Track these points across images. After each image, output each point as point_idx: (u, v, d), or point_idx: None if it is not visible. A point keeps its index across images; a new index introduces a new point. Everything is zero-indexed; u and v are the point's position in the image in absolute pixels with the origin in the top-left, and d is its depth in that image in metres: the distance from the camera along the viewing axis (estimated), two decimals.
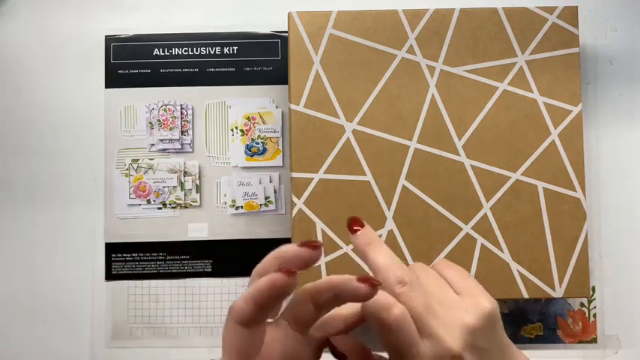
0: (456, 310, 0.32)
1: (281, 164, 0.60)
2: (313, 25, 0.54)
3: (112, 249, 0.59)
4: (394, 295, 0.31)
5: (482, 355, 0.32)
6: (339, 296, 0.30)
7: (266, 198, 0.59)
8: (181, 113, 0.60)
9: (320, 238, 0.52)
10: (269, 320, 0.32)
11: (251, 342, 0.30)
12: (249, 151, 0.60)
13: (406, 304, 0.31)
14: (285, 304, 0.32)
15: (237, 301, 0.30)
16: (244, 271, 0.59)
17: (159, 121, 0.60)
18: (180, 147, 0.60)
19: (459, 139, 0.53)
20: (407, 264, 0.52)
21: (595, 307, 0.58)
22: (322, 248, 0.32)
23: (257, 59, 0.61)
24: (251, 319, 0.30)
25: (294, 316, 0.32)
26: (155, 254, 0.59)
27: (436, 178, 0.53)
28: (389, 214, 0.53)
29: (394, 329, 0.31)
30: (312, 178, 0.53)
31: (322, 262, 0.52)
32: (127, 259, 0.59)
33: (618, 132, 0.60)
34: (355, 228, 0.33)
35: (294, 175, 0.53)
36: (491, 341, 0.32)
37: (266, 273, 0.30)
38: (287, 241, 0.58)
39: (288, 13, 0.54)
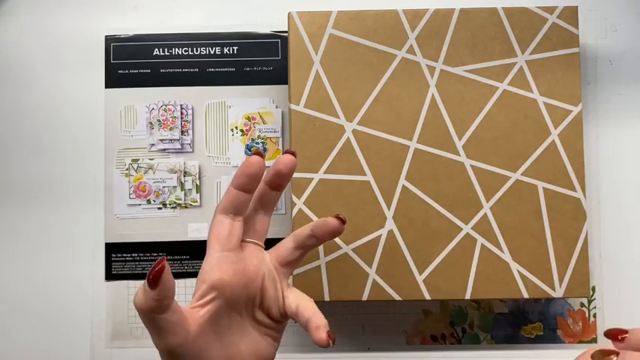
0: None
1: None
2: (313, 25, 0.54)
3: (112, 249, 0.59)
4: None
5: None
6: (315, 233, 0.36)
7: None
8: (181, 113, 0.60)
9: None
10: (252, 241, 0.36)
11: (232, 231, 0.34)
12: (249, 151, 0.60)
13: None
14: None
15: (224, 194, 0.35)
16: None
17: (159, 121, 0.60)
18: (180, 147, 0.60)
19: (459, 139, 0.53)
20: (407, 264, 0.52)
21: (595, 307, 0.58)
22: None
23: (257, 59, 0.61)
24: (232, 205, 0.34)
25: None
26: (155, 254, 0.59)
27: (436, 178, 0.53)
28: (389, 214, 0.53)
29: None
30: (312, 178, 0.53)
31: (322, 261, 0.52)
32: (127, 259, 0.59)
33: (618, 132, 0.60)
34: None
35: (294, 175, 0.53)
36: None
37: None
38: None
39: (288, 13, 0.54)
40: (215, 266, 0.33)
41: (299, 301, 0.34)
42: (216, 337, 0.32)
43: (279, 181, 0.37)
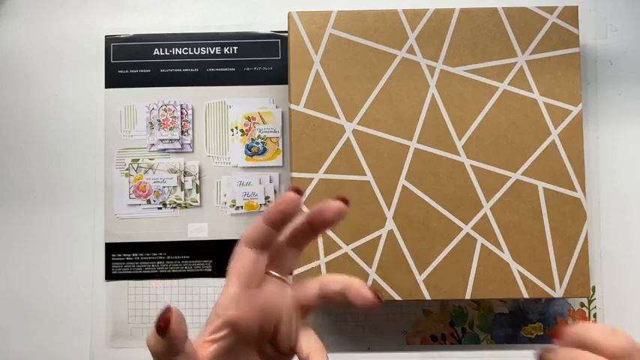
0: None
1: (281, 164, 0.60)
2: (313, 25, 0.54)
3: (112, 249, 0.59)
4: None
5: None
6: (314, 221, 0.33)
7: (266, 198, 0.59)
8: (181, 113, 0.60)
9: (320, 238, 0.52)
10: (276, 275, 0.34)
11: (256, 266, 0.32)
12: (249, 151, 0.60)
13: None
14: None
15: (252, 225, 0.33)
16: None
17: (159, 121, 0.60)
18: (180, 147, 0.60)
19: (459, 139, 0.53)
20: (407, 264, 0.52)
21: (595, 307, 0.58)
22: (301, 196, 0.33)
23: (257, 59, 0.61)
24: (259, 239, 0.32)
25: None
26: (155, 254, 0.59)
27: (436, 178, 0.53)
28: (389, 214, 0.53)
29: None
30: (312, 178, 0.53)
31: (322, 262, 0.52)
32: (127, 259, 0.59)
33: (618, 132, 0.60)
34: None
35: (294, 175, 0.53)
36: None
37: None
38: None
39: (288, 13, 0.54)
40: (232, 303, 0.31)
41: (311, 351, 0.33)
42: None
43: (323, 227, 0.34)
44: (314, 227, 0.34)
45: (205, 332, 0.32)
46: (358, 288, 0.32)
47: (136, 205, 0.59)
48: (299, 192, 0.32)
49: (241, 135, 0.60)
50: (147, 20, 0.61)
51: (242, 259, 0.33)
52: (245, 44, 0.61)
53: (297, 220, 0.34)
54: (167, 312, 0.28)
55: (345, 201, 0.33)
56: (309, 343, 0.33)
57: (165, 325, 0.28)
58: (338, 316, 0.58)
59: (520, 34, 0.54)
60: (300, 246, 0.35)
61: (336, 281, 0.33)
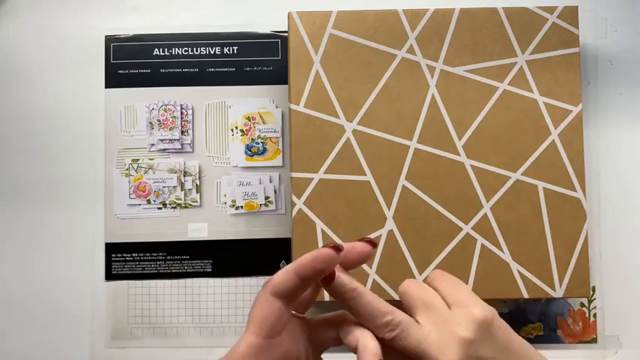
0: (448, 324, 0.32)
1: (281, 164, 0.60)
2: (313, 25, 0.54)
3: (112, 249, 0.59)
4: (388, 340, 0.31)
5: None
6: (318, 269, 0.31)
7: (266, 198, 0.59)
8: (181, 113, 0.60)
9: (320, 238, 0.52)
10: (297, 315, 0.33)
11: (280, 318, 0.31)
12: (249, 151, 0.60)
13: (401, 344, 0.32)
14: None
15: (276, 274, 0.31)
16: (244, 271, 0.59)
17: (159, 121, 0.60)
18: (180, 147, 0.60)
19: (459, 139, 0.53)
20: (407, 264, 0.52)
21: (595, 307, 0.58)
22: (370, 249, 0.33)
23: (257, 59, 0.61)
24: (288, 291, 0.31)
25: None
26: (155, 254, 0.59)
27: (436, 178, 0.53)
28: (389, 214, 0.53)
29: None
30: (312, 178, 0.53)
31: None
32: (127, 259, 0.59)
33: (618, 132, 0.60)
34: (326, 278, 0.32)
35: (294, 175, 0.53)
36: (492, 348, 0.32)
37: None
38: (287, 241, 0.58)
39: (288, 13, 0.54)
40: (252, 354, 0.30)
41: None
42: None
43: (348, 267, 0.34)
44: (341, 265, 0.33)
45: None
46: (370, 357, 0.30)
47: (136, 205, 0.59)
48: (338, 250, 0.31)
49: (241, 135, 0.60)
50: (147, 20, 0.61)
51: (266, 309, 0.31)
52: (245, 44, 0.61)
53: None
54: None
55: (372, 243, 0.33)
56: None
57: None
58: None
59: (520, 34, 0.54)
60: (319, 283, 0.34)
61: (355, 338, 0.32)
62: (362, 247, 0.33)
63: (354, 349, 0.32)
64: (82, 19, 0.61)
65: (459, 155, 0.53)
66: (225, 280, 0.59)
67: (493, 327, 0.32)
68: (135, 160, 0.60)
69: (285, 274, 0.31)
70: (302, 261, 0.30)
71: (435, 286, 0.34)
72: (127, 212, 0.59)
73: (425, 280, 0.35)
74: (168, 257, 0.59)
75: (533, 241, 0.52)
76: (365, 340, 0.31)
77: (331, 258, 0.30)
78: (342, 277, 0.32)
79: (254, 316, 0.31)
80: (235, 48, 0.61)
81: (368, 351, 0.30)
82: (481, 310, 0.32)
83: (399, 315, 0.32)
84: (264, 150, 0.60)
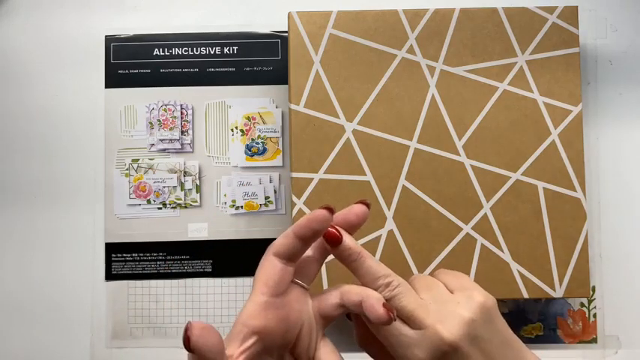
0: (449, 303, 0.33)
1: (281, 164, 0.60)
2: (313, 25, 0.54)
3: (112, 249, 0.59)
4: (386, 298, 0.33)
5: (481, 344, 0.33)
6: (317, 231, 0.33)
7: (266, 198, 0.59)
8: (181, 113, 0.60)
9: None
10: (300, 283, 0.35)
11: (283, 277, 0.33)
12: (249, 151, 0.60)
13: (398, 304, 0.33)
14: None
15: (278, 238, 0.34)
16: (244, 271, 0.59)
17: (159, 121, 0.60)
18: (180, 147, 0.60)
19: (459, 139, 0.53)
20: (407, 264, 0.52)
21: (595, 307, 0.58)
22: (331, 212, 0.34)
23: (257, 59, 0.61)
24: (289, 251, 0.33)
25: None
26: (155, 254, 0.59)
27: (436, 178, 0.53)
28: (389, 214, 0.53)
29: (384, 327, 0.34)
30: (312, 178, 0.53)
31: None
32: (127, 259, 0.59)
33: (618, 132, 0.60)
34: (334, 241, 0.34)
35: (294, 175, 0.53)
36: (490, 332, 0.33)
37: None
38: None
39: (288, 13, 0.54)
40: (260, 312, 0.32)
41: (326, 357, 0.34)
42: None
43: (349, 230, 0.35)
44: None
45: (233, 342, 0.32)
46: (373, 303, 0.32)
47: (136, 205, 0.59)
48: (331, 210, 0.33)
49: (241, 135, 0.60)
50: (147, 20, 0.61)
51: (270, 269, 0.33)
52: (245, 44, 0.61)
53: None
54: (186, 329, 0.28)
55: (366, 204, 0.35)
56: (327, 355, 0.33)
57: (187, 343, 0.28)
58: None
59: (520, 34, 0.54)
60: (324, 256, 0.35)
61: (357, 293, 0.34)
62: (358, 208, 0.35)
63: (358, 305, 0.33)
64: (82, 19, 0.61)
65: (459, 155, 0.53)
66: (225, 280, 0.59)
67: (492, 312, 0.34)
68: (135, 160, 0.60)
69: (284, 237, 0.33)
70: (299, 222, 0.33)
71: (439, 278, 0.37)
72: (127, 212, 0.59)
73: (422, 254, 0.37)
74: (168, 257, 0.59)
75: (533, 241, 0.52)
76: (367, 291, 0.33)
77: (325, 219, 0.33)
78: (348, 240, 0.34)
79: (259, 277, 0.33)
80: (235, 48, 0.61)
81: (372, 297, 0.32)
82: (482, 294, 0.34)
83: (400, 279, 0.34)
84: (264, 150, 0.60)
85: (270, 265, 0.33)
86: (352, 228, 0.35)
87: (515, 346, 0.35)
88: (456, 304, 0.33)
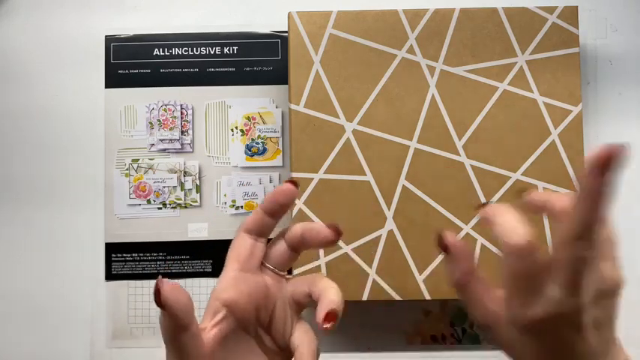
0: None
1: (281, 164, 0.60)
2: (313, 25, 0.54)
3: (112, 249, 0.59)
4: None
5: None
6: (306, 239, 0.34)
7: None
8: (181, 113, 0.60)
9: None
10: (272, 268, 0.35)
11: (253, 252, 0.34)
12: (249, 151, 0.60)
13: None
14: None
15: (250, 214, 0.34)
16: None
17: (159, 121, 0.60)
18: (180, 147, 0.60)
19: (459, 139, 0.53)
20: (407, 264, 0.52)
21: None
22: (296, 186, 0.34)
23: (257, 59, 0.61)
24: (257, 227, 0.34)
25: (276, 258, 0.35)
26: (155, 254, 0.59)
27: (436, 178, 0.53)
28: (389, 214, 0.53)
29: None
30: (312, 178, 0.53)
31: (322, 262, 0.52)
32: (127, 259, 0.59)
33: (618, 132, 0.60)
34: (482, 210, 0.34)
35: (294, 175, 0.53)
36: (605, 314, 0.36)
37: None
38: None
39: (288, 13, 0.54)
40: (231, 285, 0.33)
41: (300, 343, 0.34)
42: (225, 358, 0.32)
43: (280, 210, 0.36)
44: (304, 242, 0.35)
45: (206, 317, 0.33)
46: (327, 304, 0.31)
47: (136, 205, 0.59)
48: (295, 184, 0.34)
49: (241, 135, 0.60)
50: (147, 20, 0.61)
51: (240, 245, 0.34)
52: (245, 44, 0.61)
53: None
54: (157, 285, 0.29)
55: (294, 182, 0.34)
56: (301, 335, 0.34)
57: (157, 295, 0.29)
58: None
59: (520, 34, 0.54)
60: (296, 248, 0.35)
61: (318, 288, 0.33)
62: (286, 185, 0.34)
63: (307, 296, 0.33)
64: (82, 19, 0.61)
65: (459, 155, 0.53)
66: None
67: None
68: (135, 160, 0.60)
69: (253, 213, 0.34)
70: (266, 197, 0.34)
71: None
72: (127, 212, 0.59)
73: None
74: (168, 257, 0.59)
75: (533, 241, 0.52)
76: (328, 292, 0.32)
77: (291, 191, 0.33)
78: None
79: (230, 253, 0.34)
80: (235, 48, 0.61)
81: (327, 298, 0.32)
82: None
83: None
84: (264, 150, 0.60)
85: (240, 241, 0.34)
86: (282, 205, 0.34)
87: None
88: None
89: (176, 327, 0.30)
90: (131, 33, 0.61)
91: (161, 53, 0.61)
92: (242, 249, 0.34)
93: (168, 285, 0.29)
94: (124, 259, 0.59)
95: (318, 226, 0.34)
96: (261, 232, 0.34)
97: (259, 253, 0.34)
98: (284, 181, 0.34)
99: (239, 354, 0.33)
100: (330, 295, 0.32)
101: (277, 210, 0.34)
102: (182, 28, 0.61)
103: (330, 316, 0.31)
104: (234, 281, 0.33)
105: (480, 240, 0.52)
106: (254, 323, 0.34)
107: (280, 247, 0.35)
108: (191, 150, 0.60)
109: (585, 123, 0.59)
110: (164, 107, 0.60)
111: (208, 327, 0.32)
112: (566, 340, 0.31)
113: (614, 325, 0.34)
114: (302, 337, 0.34)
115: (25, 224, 0.60)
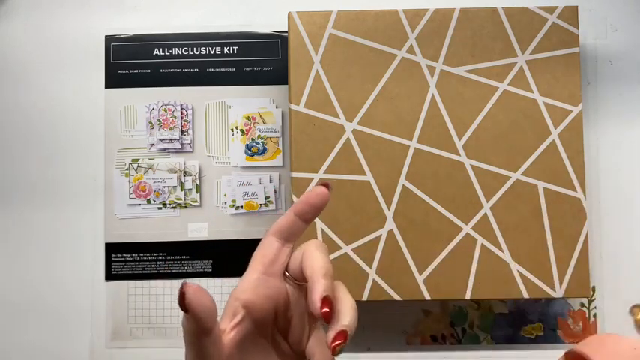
0: None
1: (281, 164, 0.60)
2: (313, 25, 0.54)
3: (112, 249, 0.59)
4: None
5: None
6: (306, 208, 0.33)
7: (266, 198, 0.59)
8: (181, 113, 0.60)
9: (320, 238, 0.52)
10: (295, 280, 0.34)
11: (279, 257, 0.34)
12: (249, 151, 0.60)
13: None
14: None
15: (279, 219, 0.34)
16: (244, 271, 0.59)
17: (159, 121, 0.60)
18: (180, 147, 0.60)
19: (459, 139, 0.53)
20: (407, 264, 0.52)
21: (595, 307, 0.58)
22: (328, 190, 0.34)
23: (257, 59, 0.61)
24: (287, 229, 0.34)
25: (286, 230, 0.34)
26: (155, 254, 0.59)
27: (436, 178, 0.53)
28: (389, 214, 0.53)
29: None
30: (312, 178, 0.53)
31: None
32: (127, 259, 0.59)
33: (618, 132, 0.60)
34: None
35: (294, 175, 0.53)
36: None
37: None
38: None
39: (288, 13, 0.54)
40: (252, 287, 0.33)
41: (315, 352, 0.34)
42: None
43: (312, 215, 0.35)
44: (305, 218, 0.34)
45: (225, 317, 0.32)
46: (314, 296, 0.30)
47: (136, 205, 0.59)
48: (328, 187, 0.33)
49: (241, 135, 0.60)
50: (147, 20, 0.61)
51: (266, 248, 0.34)
52: (245, 44, 0.61)
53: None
54: (182, 288, 0.29)
55: (327, 186, 0.34)
56: (317, 345, 0.33)
57: (182, 299, 0.28)
58: None
59: (520, 34, 0.54)
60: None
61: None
62: (319, 188, 0.34)
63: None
64: (82, 19, 0.61)
65: (459, 155, 0.53)
66: (226, 280, 0.59)
67: None
68: (135, 160, 0.60)
69: (284, 215, 0.34)
70: (300, 200, 0.34)
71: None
72: (127, 212, 0.59)
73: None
74: (168, 257, 0.59)
75: (533, 241, 0.52)
76: (342, 312, 0.30)
77: (324, 194, 0.33)
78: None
79: (256, 254, 0.34)
80: (235, 48, 0.61)
81: (338, 321, 0.30)
82: None
83: None
84: (264, 150, 0.60)
85: (268, 244, 0.34)
86: (315, 208, 0.34)
87: None
88: None
89: (199, 330, 0.29)
90: (131, 33, 0.61)
91: (161, 53, 0.61)
92: (268, 251, 0.34)
93: (192, 288, 0.29)
94: (124, 259, 0.59)
95: (309, 195, 0.34)
96: (290, 235, 0.34)
97: (284, 258, 0.34)
98: (317, 184, 0.33)
99: (255, 356, 0.33)
100: (343, 315, 0.30)
101: (310, 213, 0.34)
102: (182, 28, 0.61)
103: (340, 335, 0.29)
104: (255, 283, 0.33)
105: (480, 240, 0.52)
106: (271, 327, 0.34)
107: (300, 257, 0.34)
108: (191, 150, 0.60)
109: (585, 123, 0.59)
110: (164, 107, 0.60)
111: (227, 328, 0.32)
112: None
113: None
114: (317, 347, 0.33)
115: (25, 224, 0.60)
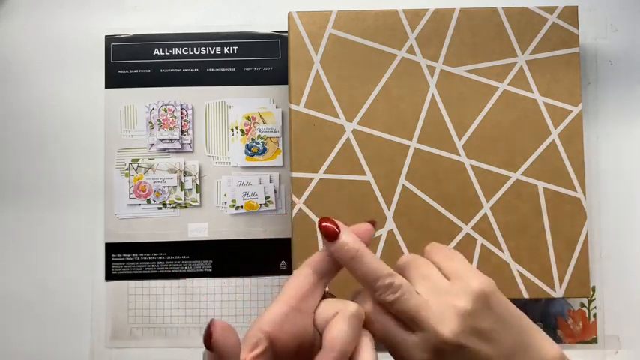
0: (447, 296, 0.32)
1: (281, 164, 0.60)
2: (313, 25, 0.54)
3: (112, 249, 0.59)
4: (388, 301, 0.32)
5: (482, 335, 0.32)
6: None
7: (266, 198, 0.59)
8: (181, 113, 0.60)
9: (320, 238, 0.52)
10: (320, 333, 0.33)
11: (313, 293, 0.32)
12: (249, 151, 0.60)
13: (400, 307, 0.32)
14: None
15: (316, 253, 0.33)
16: (244, 271, 0.59)
17: (159, 121, 0.60)
18: (180, 147, 0.60)
19: (459, 139, 0.53)
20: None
21: (595, 307, 0.58)
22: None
23: (257, 59, 0.61)
24: (326, 268, 0.33)
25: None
26: (155, 254, 0.59)
27: (436, 178, 0.53)
28: (389, 214, 0.53)
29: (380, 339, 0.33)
30: (312, 178, 0.53)
31: None
32: (127, 259, 0.59)
33: (618, 132, 0.60)
34: (331, 235, 0.33)
35: (294, 175, 0.53)
36: (491, 320, 0.32)
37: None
38: (287, 241, 0.58)
39: (288, 13, 0.54)
40: (279, 322, 0.31)
41: None
42: None
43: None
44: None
45: (245, 346, 0.31)
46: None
47: (136, 205, 0.60)
48: (374, 224, 0.33)
49: (241, 135, 0.60)
50: (147, 20, 0.61)
51: (302, 281, 0.32)
52: (245, 44, 0.61)
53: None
54: (209, 327, 0.28)
55: (373, 223, 0.35)
56: None
57: (207, 339, 0.28)
58: None
59: (520, 34, 0.54)
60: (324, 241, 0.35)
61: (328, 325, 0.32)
62: (365, 225, 0.35)
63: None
64: (82, 19, 0.61)
65: (459, 155, 0.53)
66: (225, 280, 0.59)
67: (491, 299, 0.33)
68: (135, 160, 0.60)
69: (323, 250, 0.33)
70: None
71: (432, 258, 0.35)
72: (127, 212, 0.59)
73: (422, 254, 0.36)
74: (168, 257, 0.59)
75: (533, 241, 0.52)
76: (334, 331, 0.31)
77: (370, 231, 0.33)
78: (345, 236, 0.33)
79: (289, 284, 0.32)
80: (235, 48, 0.61)
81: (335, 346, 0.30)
82: (479, 282, 0.33)
83: (400, 278, 0.33)
84: (264, 150, 0.60)
85: (303, 277, 0.32)
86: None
87: (517, 324, 0.34)
88: (454, 296, 0.32)
89: None
90: (131, 33, 0.61)
91: (161, 53, 0.61)
92: (302, 286, 0.32)
93: (220, 327, 0.28)
94: (124, 259, 0.59)
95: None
96: (328, 271, 0.33)
97: (318, 295, 0.32)
98: (365, 221, 0.33)
99: None
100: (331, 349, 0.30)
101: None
102: (182, 28, 0.61)
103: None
104: (283, 318, 0.31)
105: (480, 240, 0.52)
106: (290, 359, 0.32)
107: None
108: (191, 150, 0.60)
109: (585, 123, 0.59)
110: (164, 107, 0.60)
111: (248, 358, 0.30)
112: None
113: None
114: None
115: (25, 224, 0.60)
